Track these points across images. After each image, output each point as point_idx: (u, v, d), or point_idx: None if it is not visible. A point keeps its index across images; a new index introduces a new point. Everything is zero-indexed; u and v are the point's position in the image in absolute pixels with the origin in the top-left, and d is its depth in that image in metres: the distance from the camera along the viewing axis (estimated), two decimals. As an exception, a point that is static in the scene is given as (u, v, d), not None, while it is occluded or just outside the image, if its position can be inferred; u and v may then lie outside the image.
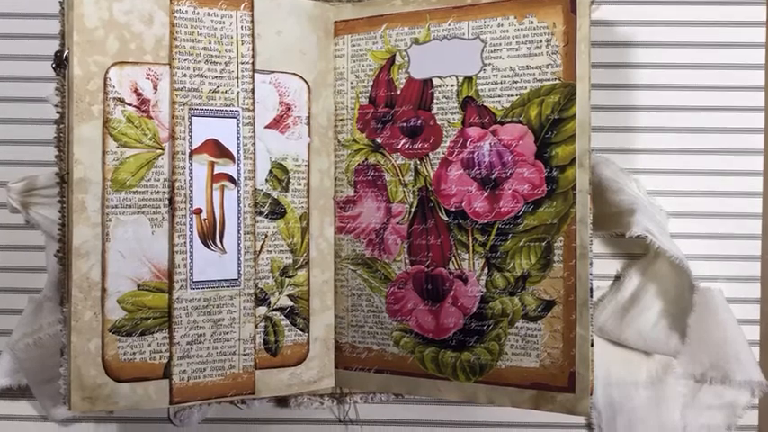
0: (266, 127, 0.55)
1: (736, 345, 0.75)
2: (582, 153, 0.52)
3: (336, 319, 0.51)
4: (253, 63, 0.58)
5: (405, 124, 0.46)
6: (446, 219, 0.46)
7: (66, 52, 0.66)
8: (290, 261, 0.55)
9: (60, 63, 0.69)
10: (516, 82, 0.47)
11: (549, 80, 0.49)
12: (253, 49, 0.58)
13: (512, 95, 0.47)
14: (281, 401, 0.77)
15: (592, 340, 0.67)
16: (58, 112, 0.70)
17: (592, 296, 0.66)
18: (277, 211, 0.54)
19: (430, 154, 0.46)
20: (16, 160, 0.80)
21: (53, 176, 0.72)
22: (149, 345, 0.66)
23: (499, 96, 0.47)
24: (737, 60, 0.79)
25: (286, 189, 0.54)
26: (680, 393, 0.77)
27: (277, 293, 0.54)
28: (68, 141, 0.67)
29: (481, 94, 0.45)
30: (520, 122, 0.47)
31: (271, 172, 0.54)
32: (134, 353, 0.65)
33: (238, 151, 0.57)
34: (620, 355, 0.78)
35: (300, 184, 0.54)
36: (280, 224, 0.54)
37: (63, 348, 0.70)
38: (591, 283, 0.66)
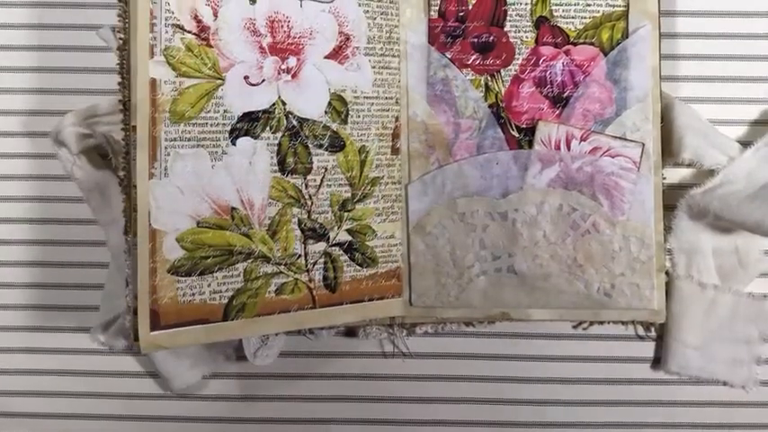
0: (325, 57, 0.52)
1: None
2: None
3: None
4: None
5: (476, 40, 0.45)
6: (517, 135, 0.46)
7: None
8: (349, 195, 0.53)
9: (122, -12, 0.67)
10: (590, 5, 0.47)
11: (619, 6, 0.48)
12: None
13: (585, 18, 0.47)
14: (349, 332, 0.77)
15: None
16: (120, 39, 0.69)
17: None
18: (336, 144, 0.51)
19: (501, 71, 0.46)
20: (82, 88, 0.79)
21: (116, 102, 0.71)
22: (209, 285, 0.64)
23: (573, 18, 0.47)
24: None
25: (345, 121, 0.51)
26: None
27: (336, 228, 0.53)
28: (131, 68, 0.65)
29: (555, 14, 0.46)
30: (592, 44, 0.47)
31: (330, 104, 0.52)
32: (193, 294, 0.63)
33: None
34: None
35: (359, 116, 0.51)
36: (339, 157, 0.52)
37: (127, 279, 0.68)
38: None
